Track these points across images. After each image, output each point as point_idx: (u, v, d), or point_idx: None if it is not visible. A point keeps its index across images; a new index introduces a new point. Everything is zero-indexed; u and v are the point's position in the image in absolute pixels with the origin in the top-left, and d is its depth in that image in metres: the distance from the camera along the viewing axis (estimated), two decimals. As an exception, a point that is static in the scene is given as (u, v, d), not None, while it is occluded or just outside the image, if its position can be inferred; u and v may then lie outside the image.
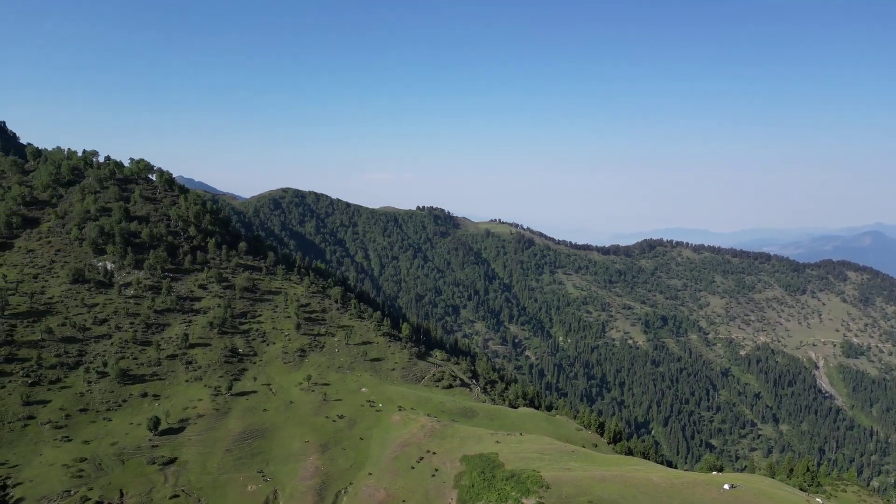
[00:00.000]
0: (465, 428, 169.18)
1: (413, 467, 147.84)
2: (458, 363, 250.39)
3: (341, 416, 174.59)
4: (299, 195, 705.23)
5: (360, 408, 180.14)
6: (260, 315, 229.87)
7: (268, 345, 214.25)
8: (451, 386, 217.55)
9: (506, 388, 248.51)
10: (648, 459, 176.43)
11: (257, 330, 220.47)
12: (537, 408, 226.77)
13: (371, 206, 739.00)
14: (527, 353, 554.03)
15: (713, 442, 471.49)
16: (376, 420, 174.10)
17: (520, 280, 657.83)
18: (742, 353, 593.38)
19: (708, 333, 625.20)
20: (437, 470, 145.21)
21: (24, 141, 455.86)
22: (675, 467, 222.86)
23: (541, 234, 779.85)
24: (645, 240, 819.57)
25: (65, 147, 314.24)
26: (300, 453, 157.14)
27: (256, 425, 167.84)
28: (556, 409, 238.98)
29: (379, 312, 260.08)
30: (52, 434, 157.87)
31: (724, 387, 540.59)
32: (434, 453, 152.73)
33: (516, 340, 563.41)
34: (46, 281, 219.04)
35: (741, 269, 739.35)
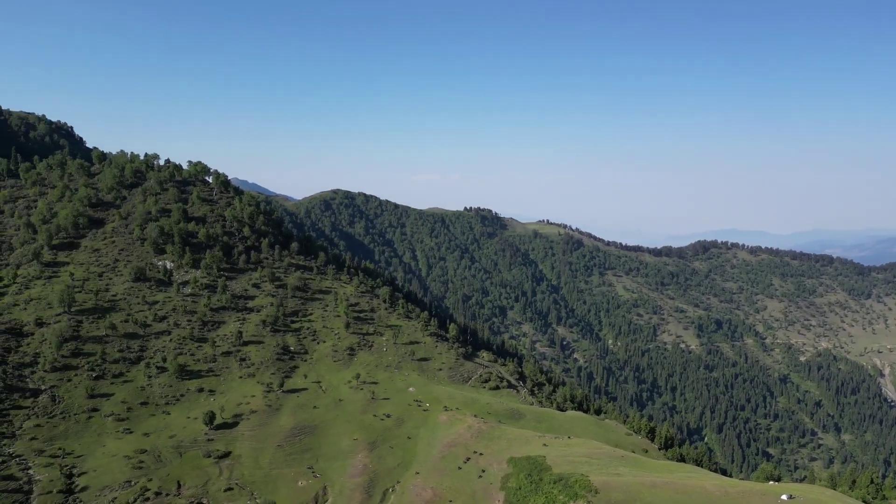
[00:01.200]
0: (512, 430, 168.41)
1: (460, 468, 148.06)
2: (505, 364, 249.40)
3: (389, 415, 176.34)
4: (349, 196, 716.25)
5: (407, 407, 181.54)
6: (311, 314, 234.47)
7: (318, 343, 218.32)
8: (497, 387, 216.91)
9: (553, 391, 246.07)
10: (701, 467, 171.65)
11: (308, 328, 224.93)
12: (586, 411, 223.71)
13: (419, 207, 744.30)
14: (575, 355, 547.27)
15: (770, 451, 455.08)
16: (423, 419, 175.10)
17: (568, 282, 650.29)
18: (802, 359, 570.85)
19: (765, 338, 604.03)
20: (483, 471, 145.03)
21: (90, 145, 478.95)
22: (730, 476, 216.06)
23: (590, 236, 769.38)
24: (698, 241, 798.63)
25: (128, 150, 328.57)
26: (349, 451, 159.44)
27: (307, 422, 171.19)
28: (605, 413, 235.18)
29: (426, 312, 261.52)
30: (114, 426, 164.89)
31: (783, 394, 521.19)
32: (481, 454, 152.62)
33: (564, 343, 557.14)
34: (110, 279, 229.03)
35: (801, 271, 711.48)
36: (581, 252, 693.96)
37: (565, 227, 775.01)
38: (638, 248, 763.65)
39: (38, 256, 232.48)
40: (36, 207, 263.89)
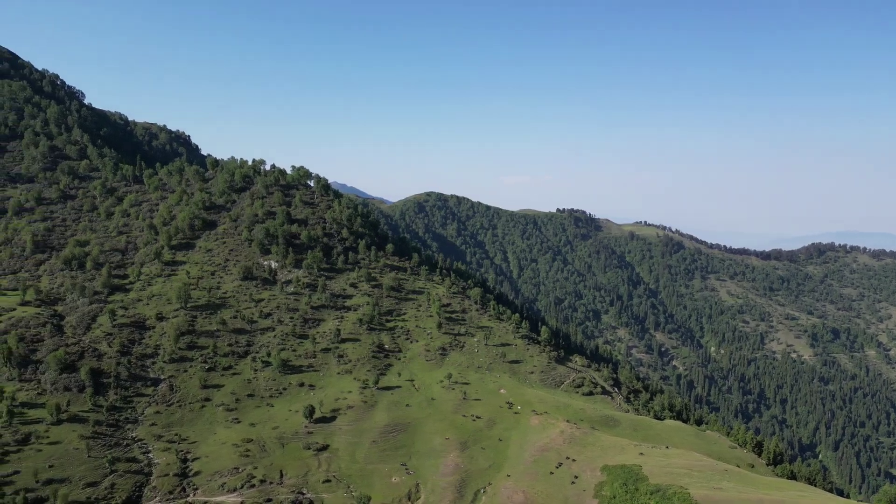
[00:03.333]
0: (606, 437, 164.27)
1: (552, 472, 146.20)
2: (598, 370, 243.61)
3: (480, 416, 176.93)
4: (442, 199, 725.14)
5: (498, 409, 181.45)
6: (405, 313, 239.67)
7: (411, 342, 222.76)
8: (591, 393, 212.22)
9: (651, 399, 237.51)
10: (815, 486, 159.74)
11: (402, 327, 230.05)
12: (685, 421, 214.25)
13: (510, 209, 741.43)
14: (674, 362, 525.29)
15: (894, 472, 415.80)
16: (515, 422, 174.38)
17: (667, 285, 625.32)
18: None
19: (889, 350, 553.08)
20: (576, 477, 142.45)
21: (204, 152, 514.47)
22: (847, 497, 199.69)
23: (691, 237, 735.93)
24: (813, 244, 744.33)
25: (237, 156, 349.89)
26: (441, 449, 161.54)
27: (400, 419, 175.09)
28: (707, 423, 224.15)
29: (517, 315, 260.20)
30: (224, 416, 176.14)
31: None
32: (574, 460, 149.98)
33: (662, 349, 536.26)
34: (221, 277, 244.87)
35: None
36: (681, 255, 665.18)
37: (664, 228, 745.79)
38: (744, 251, 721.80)
39: (159, 256, 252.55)
40: (157, 210, 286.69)
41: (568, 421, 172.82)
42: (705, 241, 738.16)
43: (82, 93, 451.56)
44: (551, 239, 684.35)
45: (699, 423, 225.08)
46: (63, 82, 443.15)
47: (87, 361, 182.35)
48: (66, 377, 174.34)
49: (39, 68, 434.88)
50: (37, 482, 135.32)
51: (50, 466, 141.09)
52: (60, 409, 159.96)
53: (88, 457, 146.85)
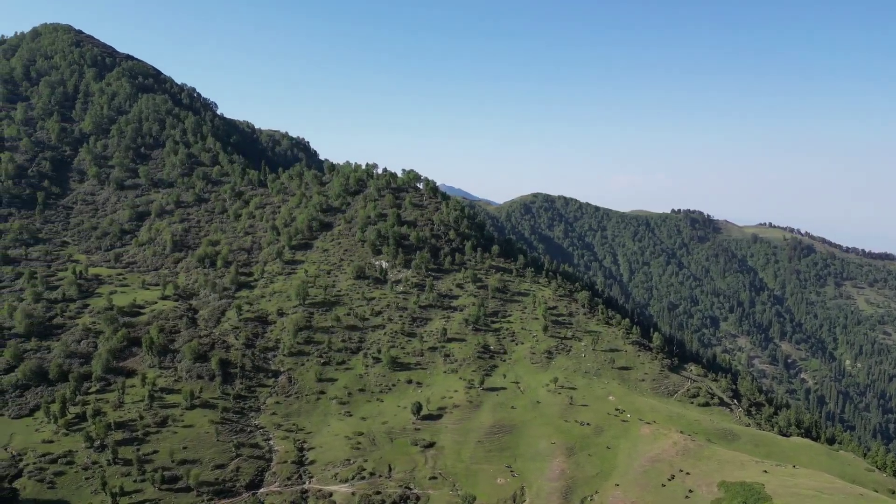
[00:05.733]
0: (724, 451, 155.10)
1: (663, 485, 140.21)
2: (716, 380, 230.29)
3: (588, 423, 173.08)
4: (548, 200, 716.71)
5: (606, 416, 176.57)
6: (510, 315, 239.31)
7: (517, 344, 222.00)
8: (707, 404, 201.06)
9: (775, 413, 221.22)
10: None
11: (507, 329, 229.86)
12: (815, 439, 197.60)
13: (621, 210, 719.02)
14: (802, 375, 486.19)
15: None
16: (624, 430, 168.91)
17: (795, 292, 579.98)
18: None
19: None
20: (690, 491, 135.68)
21: (322, 157, 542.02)
22: None
23: (823, 240, 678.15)
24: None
25: (353, 161, 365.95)
26: (546, 454, 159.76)
27: (505, 421, 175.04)
28: (840, 443, 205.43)
29: (627, 320, 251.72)
30: (337, 409, 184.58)
31: None
32: (688, 473, 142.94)
33: (789, 360, 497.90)
34: (336, 276, 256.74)
35: None
36: (812, 259, 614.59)
37: (792, 230, 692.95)
38: (886, 256, 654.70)
39: (280, 255, 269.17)
40: (279, 213, 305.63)
41: (681, 432, 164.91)
42: (840, 245, 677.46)
43: (215, 104, 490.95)
44: (665, 241, 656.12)
45: (831, 441, 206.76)
46: (199, 94, 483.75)
47: (217, 352, 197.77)
48: (198, 366, 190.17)
49: (179, 82, 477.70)
50: (172, 462, 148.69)
51: (184, 448, 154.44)
52: (193, 395, 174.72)
53: (217, 441, 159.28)
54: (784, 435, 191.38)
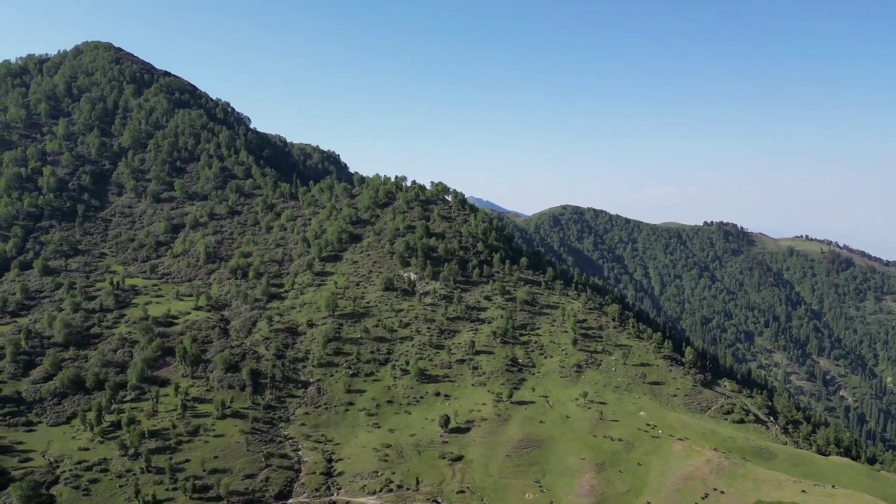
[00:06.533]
0: (760, 470, 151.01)
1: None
2: (751, 396, 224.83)
3: (619, 439, 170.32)
4: (578, 212, 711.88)
5: (637, 431, 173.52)
6: (539, 328, 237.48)
7: (545, 357, 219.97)
8: (742, 421, 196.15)
9: (813, 431, 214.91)
10: None
11: (536, 342, 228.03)
12: (855, 459, 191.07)
13: (652, 222, 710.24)
14: (841, 392, 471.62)
15: None
16: (655, 447, 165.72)
17: (833, 306, 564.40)
18: None
19: None
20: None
21: (352, 170, 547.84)
22: None
23: (862, 254, 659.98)
24: None
25: (382, 173, 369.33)
26: (576, 469, 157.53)
27: (534, 435, 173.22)
28: (882, 462, 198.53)
29: (659, 333, 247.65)
30: (365, 420, 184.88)
31: None
32: (722, 492, 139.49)
33: (827, 377, 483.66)
34: (365, 288, 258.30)
35: None
36: (851, 273, 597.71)
37: (829, 243, 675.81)
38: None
39: (310, 267, 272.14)
40: (310, 225, 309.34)
41: (715, 449, 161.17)
42: (880, 258, 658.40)
43: (248, 118, 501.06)
44: (698, 254, 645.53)
45: (872, 461, 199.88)
46: (233, 109, 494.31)
47: (248, 362, 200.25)
48: (230, 376, 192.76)
49: (214, 97, 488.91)
50: (203, 471, 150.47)
51: (215, 457, 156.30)
52: (224, 405, 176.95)
53: (247, 450, 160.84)
54: (823, 454, 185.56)
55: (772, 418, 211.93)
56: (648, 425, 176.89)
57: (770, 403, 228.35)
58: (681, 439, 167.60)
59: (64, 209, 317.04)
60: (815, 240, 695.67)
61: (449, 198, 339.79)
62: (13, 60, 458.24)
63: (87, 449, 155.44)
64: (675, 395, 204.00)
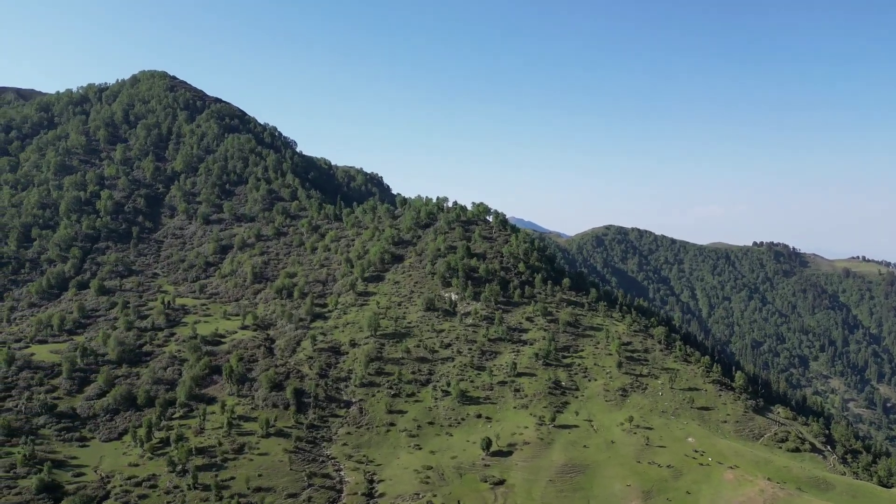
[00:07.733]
0: (817, 501, 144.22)
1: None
2: (806, 424, 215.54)
3: (668, 466, 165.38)
4: (622, 232, 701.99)
5: (685, 458, 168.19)
6: (582, 350, 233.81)
7: (589, 380, 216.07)
8: (797, 449, 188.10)
9: (873, 462, 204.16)
10: None
11: (579, 364, 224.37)
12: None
13: (698, 243, 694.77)
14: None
15: None
16: (705, 475, 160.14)
17: (893, 330, 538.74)
18: None
19: None
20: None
21: (394, 191, 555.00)
22: None
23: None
24: None
25: (424, 194, 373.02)
26: (621, 496, 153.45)
27: (577, 460, 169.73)
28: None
29: (707, 357, 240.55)
30: (407, 441, 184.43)
31: None
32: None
33: (888, 404, 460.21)
34: (407, 308, 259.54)
35: None
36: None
37: (888, 264, 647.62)
38: None
39: (353, 287, 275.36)
40: (353, 246, 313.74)
41: (769, 479, 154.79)
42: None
43: (294, 142, 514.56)
44: (747, 275, 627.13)
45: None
46: (280, 133, 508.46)
47: (292, 381, 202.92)
48: (274, 395, 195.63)
49: (262, 122, 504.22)
50: (248, 489, 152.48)
51: (259, 475, 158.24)
52: (269, 423, 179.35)
53: (290, 469, 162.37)
54: (885, 486, 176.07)
55: (829, 447, 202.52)
56: (697, 452, 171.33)
57: (827, 431, 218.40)
58: (732, 467, 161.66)
59: (120, 231, 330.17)
60: (873, 261, 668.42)
61: (490, 218, 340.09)
62: (75, 89, 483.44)
63: (136, 465, 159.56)
64: (726, 422, 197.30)
